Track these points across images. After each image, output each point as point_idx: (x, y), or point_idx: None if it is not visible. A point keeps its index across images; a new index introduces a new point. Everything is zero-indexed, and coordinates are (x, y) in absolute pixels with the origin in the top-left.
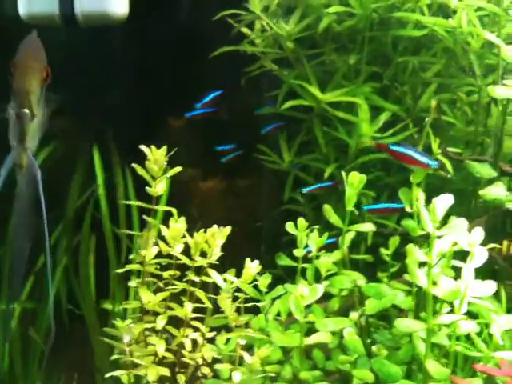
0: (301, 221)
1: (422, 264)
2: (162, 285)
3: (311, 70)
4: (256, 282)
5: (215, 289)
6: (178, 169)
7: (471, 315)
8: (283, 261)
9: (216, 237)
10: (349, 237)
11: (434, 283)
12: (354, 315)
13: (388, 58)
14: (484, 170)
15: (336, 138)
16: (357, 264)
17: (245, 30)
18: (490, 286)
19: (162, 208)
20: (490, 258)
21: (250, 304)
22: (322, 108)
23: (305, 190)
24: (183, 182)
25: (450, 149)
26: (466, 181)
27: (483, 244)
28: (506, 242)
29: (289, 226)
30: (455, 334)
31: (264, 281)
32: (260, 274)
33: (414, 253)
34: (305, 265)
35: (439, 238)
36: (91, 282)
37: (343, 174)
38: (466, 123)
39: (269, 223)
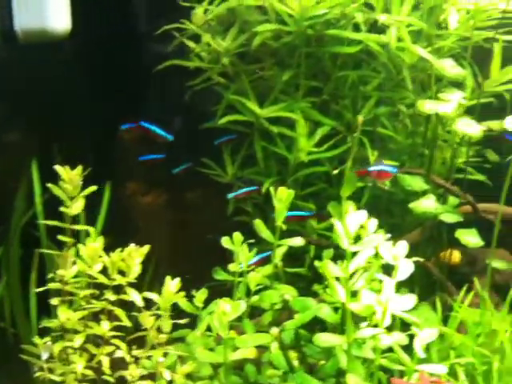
0: (237, 235)
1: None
2: (82, 303)
3: (250, 84)
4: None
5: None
6: (93, 188)
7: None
8: (220, 275)
9: (133, 256)
10: (280, 251)
11: (354, 297)
12: (274, 330)
13: (328, 73)
14: (415, 183)
15: (277, 152)
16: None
17: (190, 43)
18: (410, 299)
19: (79, 227)
20: (426, 268)
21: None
22: (261, 123)
23: (230, 195)
24: (126, 196)
25: (387, 161)
26: (406, 192)
27: (420, 254)
28: (443, 252)
29: (224, 241)
30: (378, 347)
31: (201, 296)
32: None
33: (330, 268)
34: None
35: (354, 253)
36: (32, 299)
37: (271, 189)
38: (408, 135)
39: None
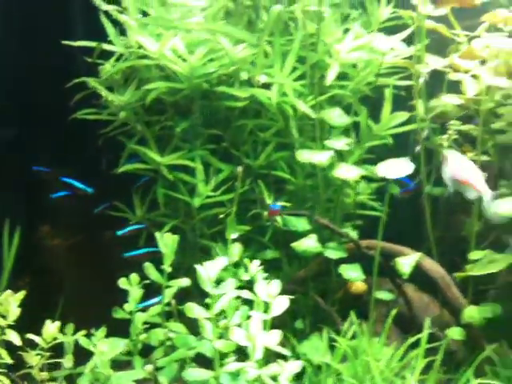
0: (134, 276)
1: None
2: None
3: (154, 134)
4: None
5: None
6: None
7: None
8: (118, 314)
9: (9, 300)
10: (170, 291)
11: (222, 336)
12: (148, 367)
13: (227, 121)
14: (300, 224)
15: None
16: None
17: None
18: (275, 335)
19: None
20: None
21: None
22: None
23: (119, 233)
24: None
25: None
26: None
27: (303, 290)
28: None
29: (121, 282)
30: (250, 379)
31: (100, 334)
32: None
33: (194, 310)
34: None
35: (218, 296)
36: None
37: (157, 235)
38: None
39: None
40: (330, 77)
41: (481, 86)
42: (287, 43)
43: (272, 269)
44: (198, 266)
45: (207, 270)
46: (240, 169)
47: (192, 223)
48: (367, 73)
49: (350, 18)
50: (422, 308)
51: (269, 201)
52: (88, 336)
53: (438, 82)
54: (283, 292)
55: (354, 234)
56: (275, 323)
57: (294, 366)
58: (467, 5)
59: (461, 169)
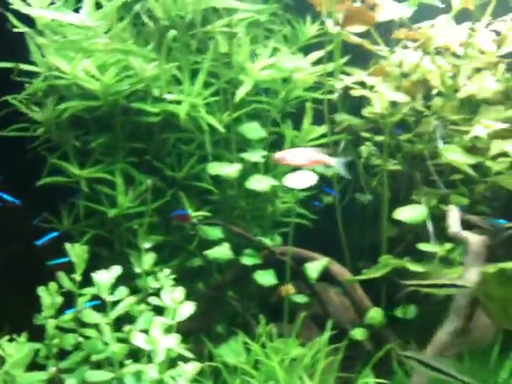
0: (53, 285)
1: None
2: None
3: (75, 148)
4: None
5: None
6: None
7: None
8: (38, 320)
9: None
10: (83, 300)
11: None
12: (52, 370)
13: (151, 135)
14: (213, 233)
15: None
16: None
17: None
18: (173, 339)
19: None
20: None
21: None
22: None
23: (38, 242)
24: None
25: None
26: None
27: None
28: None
29: (40, 290)
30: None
31: (22, 339)
32: None
33: (91, 316)
34: None
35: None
36: None
37: (68, 246)
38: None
39: None
40: (241, 92)
41: (384, 101)
42: (203, 62)
43: (202, 276)
44: (94, 274)
45: (101, 278)
46: (149, 181)
47: (118, 232)
48: (290, 88)
49: (274, 35)
50: (343, 310)
51: (189, 210)
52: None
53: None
54: (203, 298)
55: (276, 241)
56: (194, 328)
57: (193, 367)
58: (368, 24)
59: (305, 155)
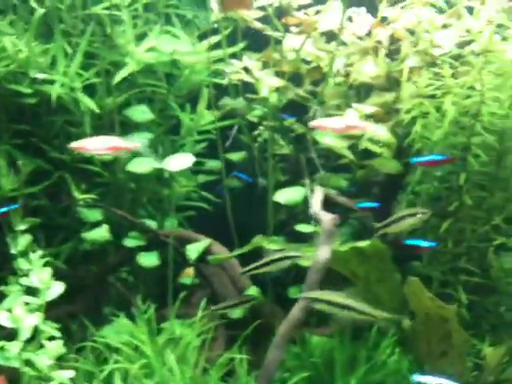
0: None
1: None
2: None
3: None
4: None
5: None
6: None
7: None
8: None
9: None
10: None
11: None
12: None
13: (38, 117)
14: (92, 215)
15: None
16: None
17: None
18: (36, 318)
19: None
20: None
21: None
22: None
23: None
24: None
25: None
26: None
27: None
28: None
29: None
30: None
31: None
32: None
33: None
34: None
35: None
36: None
37: None
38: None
39: None
40: (122, 74)
41: (261, 86)
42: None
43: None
44: None
45: None
46: (20, 163)
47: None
48: (189, 73)
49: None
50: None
51: (76, 193)
52: None
53: None
54: (90, 280)
55: (173, 224)
56: (79, 309)
57: (56, 345)
58: (246, 8)
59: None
